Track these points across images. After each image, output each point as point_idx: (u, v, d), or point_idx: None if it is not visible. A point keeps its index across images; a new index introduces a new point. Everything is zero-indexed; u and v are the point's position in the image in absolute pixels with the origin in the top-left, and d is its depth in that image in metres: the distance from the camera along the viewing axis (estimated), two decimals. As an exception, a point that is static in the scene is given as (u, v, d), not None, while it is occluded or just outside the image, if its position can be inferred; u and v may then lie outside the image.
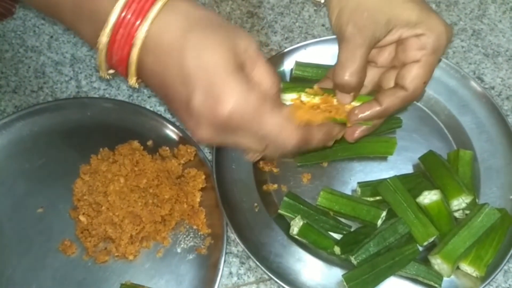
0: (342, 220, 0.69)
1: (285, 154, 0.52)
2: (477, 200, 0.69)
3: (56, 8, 0.48)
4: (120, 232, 0.66)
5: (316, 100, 0.58)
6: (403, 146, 0.74)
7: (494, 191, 0.71)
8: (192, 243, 0.68)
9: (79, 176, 0.70)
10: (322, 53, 0.78)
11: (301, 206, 0.68)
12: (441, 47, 0.59)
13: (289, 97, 0.58)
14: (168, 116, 0.77)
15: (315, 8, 0.86)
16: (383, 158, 0.74)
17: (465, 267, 0.65)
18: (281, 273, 0.65)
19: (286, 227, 0.68)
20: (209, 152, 0.74)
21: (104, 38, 0.45)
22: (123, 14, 0.44)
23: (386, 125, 0.73)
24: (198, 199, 0.69)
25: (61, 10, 0.48)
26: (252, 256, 0.65)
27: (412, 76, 0.59)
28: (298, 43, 0.80)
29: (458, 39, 0.86)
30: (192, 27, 0.45)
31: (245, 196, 0.70)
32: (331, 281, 0.65)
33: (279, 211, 0.69)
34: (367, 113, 0.60)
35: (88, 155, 0.71)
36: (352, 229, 0.68)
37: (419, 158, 0.72)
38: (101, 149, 0.71)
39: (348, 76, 0.57)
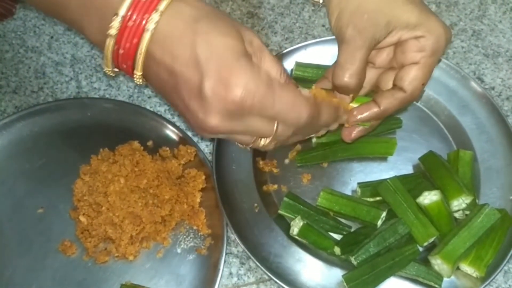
0: (342, 220, 0.69)
1: (295, 134, 0.52)
2: (477, 201, 0.69)
3: (60, 6, 0.49)
4: (120, 232, 0.66)
5: None
6: (403, 147, 0.74)
7: (494, 191, 0.71)
8: (192, 244, 0.68)
9: (79, 176, 0.70)
10: (322, 54, 0.78)
11: (301, 206, 0.68)
12: (440, 49, 0.59)
13: None
14: (168, 116, 0.77)
15: (313, 8, 0.86)
16: (383, 159, 0.74)
17: (465, 267, 0.65)
18: (281, 274, 0.65)
19: (286, 228, 0.68)
20: (209, 153, 0.74)
21: (112, 30, 0.45)
22: (132, 8, 0.45)
23: (386, 126, 0.73)
24: (198, 200, 0.69)
25: (66, 7, 0.48)
26: (252, 257, 0.65)
27: (410, 77, 0.59)
28: (298, 43, 0.80)
29: (458, 39, 0.86)
30: (202, 16, 0.46)
31: (245, 196, 0.70)
32: (331, 281, 0.65)
33: (279, 211, 0.69)
34: (366, 114, 0.60)
35: (88, 155, 0.71)
36: (352, 230, 0.68)
37: (419, 159, 0.72)
38: (101, 150, 0.72)
39: (347, 77, 0.57)
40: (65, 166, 0.71)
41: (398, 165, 0.73)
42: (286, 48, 0.80)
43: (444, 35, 0.58)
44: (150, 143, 0.74)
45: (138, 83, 0.49)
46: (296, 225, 0.66)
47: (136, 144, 0.72)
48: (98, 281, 0.65)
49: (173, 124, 0.74)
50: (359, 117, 0.60)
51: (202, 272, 0.66)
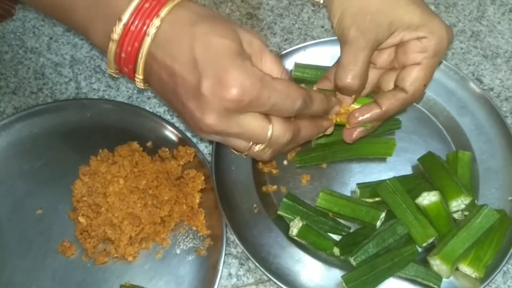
0: (341, 221, 0.69)
1: (289, 142, 0.53)
2: (476, 201, 0.69)
3: (67, 10, 0.51)
4: (119, 233, 0.66)
5: None
6: (402, 147, 0.74)
7: (493, 192, 0.71)
8: (191, 244, 0.68)
9: (79, 177, 0.70)
10: (321, 55, 0.78)
11: (300, 207, 0.68)
12: (442, 50, 0.59)
13: None
14: (167, 117, 0.77)
15: (313, 8, 0.86)
16: (382, 159, 0.74)
17: (464, 268, 0.65)
18: (281, 274, 0.65)
19: (285, 228, 0.68)
20: (209, 154, 0.74)
21: (115, 35, 0.48)
22: (135, 13, 0.47)
23: (385, 127, 0.73)
24: (197, 200, 0.69)
25: (73, 12, 0.50)
26: (251, 257, 0.65)
27: (412, 78, 0.59)
28: (297, 44, 0.80)
29: (457, 40, 0.86)
30: (200, 19, 0.47)
31: (244, 197, 0.70)
32: (330, 282, 0.65)
33: (279, 212, 0.69)
34: (367, 115, 0.60)
35: (88, 156, 0.71)
36: (351, 230, 0.68)
37: (418, 159, 0.72)
38: (100, 150, 0.71)
39: (350, 78, 0.57)
40: (65, 167, 0.71)
41: (397, 165, 0.74)
42: (285, 49, 0.80)
43: (446, 36, 0.58)
44: (149, 144, 0.74)
45: (139, 86, 0.51)
46: (296, 226, 0.66)
47: (135, 145, 0.72)
48: (97, 281, 0.65)
49: (173, 125, 0.75)
50: (360, 118, 0.60)
51: (201, 273, 0.66)
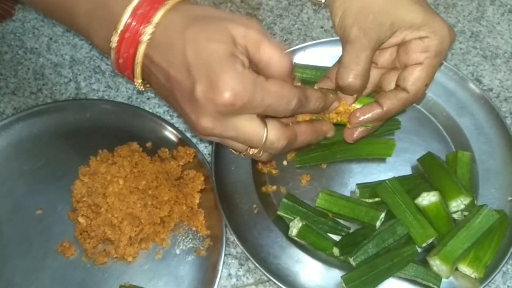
0: (341, 221, 0.69)
1: (293, 134, 0.54)
2: (475, 202, 0.69)
3: (69, 15, 0.52)
4: (119, 233, 0.66)
5: None
6: (401, 148, 0.74)
7: (492, 192, 0.71)
8: (191, 245, 0.68)
9: (78, 177, 0.70)
10: (321, 55, 0.78)
11: (300, 207, 0.68)
12: (444, 50, 0.59)
13: None
14: (167, 117, 0.77)
15: (314, 7, 0.86)
16: (382, 160, 0.74)
17: (464, 268, 0.65)
18: (280, 275, 0.65)
19: (285, 229, 0.68)
20: (208, 154, 0.74)
21: (113, 43, 0.49)
22: (130, 20, 0.48)
23: (385, 127, 0.73)
24: (197, 201, 0.69)
25: (75, 17, 0.51)
26: (251, 258, 0.65)
27: (414, 78, 0.59)
28: (297, 45, 0.80)
29: (457, 41, 0.86)
30: (191, 23, 0.48)
31: (244, 197, 0.70)
32: (330, 282, 0.65)
33: (278, 212, 0.69)
34: (369, 115, 0.60)
35: (87, 156, 0.71)
36: (351, 231, 0.68)
37: (418, 160, 0.72)
38: (100, 151, 0.71)
39: (352, 78, 0.57)
40: (64, 167, 0.71)
41: (396, 166, 0.74)
42: (284, 50, 0.80)
43: (448, 36, 0.58)
44: (149, 144, 0.74)
45: (140, 89, 0.52)
46: (295, 226, 0.66)
47: (135, 145, 0.72)
48: (97, 282, 0.65)
49: (172, 125, 0.75)
50: (361, 118, 0.60)
51: (201, 273, 0.66)
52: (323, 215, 0.69)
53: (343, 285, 0.63)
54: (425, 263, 0.65)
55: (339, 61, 0.59)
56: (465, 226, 0.64)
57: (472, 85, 0.77)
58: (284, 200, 0.69)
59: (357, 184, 0.71)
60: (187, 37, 0.47)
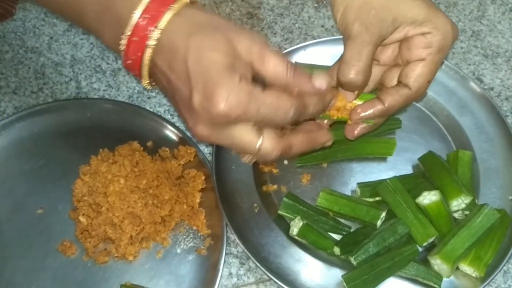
0: (342, 220, 0.69)
1: (289, 145, 0.53)
2: (476, 201, 0.69)
3: (79, 15, 0.52)
4: (120, 232, 0.66)
5: None
6: (402, 147, 0.74)
7: (493, 191, 0.71)
8: (192, 244, 0.68)
9: (79, 176, 0.70)
10: (322, 54, 0.78)
11: (301, 206, 0.68)
12: (446, 46, 0.58)
13: None
14: (168, 117, 0.77)
15: (316, 5, 0.86)
16: (383, 159, 0.74)
17: (465, 267, 0.65)
18: (281, 274, 0.65)
19: (285, 228, 0.68)
20: (209, 153, 0.74)
21: (121, 46, 0.49)
22: (137, 24, 0.48)
23: (386, 126, 0.73)
24: (198, 200, 0.69)
25: (84, 17, 0.52)
26: (251, 257, 0.65)
27: (416, 74, 0.58)
28: (297, 44, 0.80)
29: (458, 40, 0.86)
30: (196, 30, 0.48)
31: (244, 196, 0.70)
32: (330, 281, 0.65)
33: (279, 211, 0.69)
34: (370, 111, 0.60)
35: (88, 156, 0.71)
36: (351, 230, 0.68)
37: (419, 159, 0.72)
38: (101, 150, 0.71)
39: (354, 74, 0.57)
40: (65, 167, 0.71)
41: (397, 165, 0.73)
42: (285, 49, 0.80)
43: (451, 32, 0.58)
44: (149, 143, 0.74)
45: (147, 88, 0.53)
46: (296, 225, 0.66)
47: (135, 144, 0.72)
48: (97, 281, 0.65)
49: (173, 125, 0.75)
50: (363, 114, 0.60)
51: (202, 272, 0.66)
52: (324, 214, 0.69)
53: (344, 284, 0.63)
54: (426, 262, 0.65)
55: (341, 58, 0.58)
56: (466, 225, 0.64)
57: (473, 84, 0.77)
58: (285, 199, 0.69)
59: (358, 183, 0.71)
60: (191, 44, 0.47)
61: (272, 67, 0.49)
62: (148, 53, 0.49)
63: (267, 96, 0.48)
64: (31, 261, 0.66)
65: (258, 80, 0.50)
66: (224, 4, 0.88)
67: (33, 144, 0.73)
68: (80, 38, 0.84)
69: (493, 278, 0.64)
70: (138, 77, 0.52)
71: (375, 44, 0.56)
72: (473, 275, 0.65)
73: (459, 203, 0.66)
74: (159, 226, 0.67)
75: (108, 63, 0.82)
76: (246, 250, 0.65)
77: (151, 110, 0.77)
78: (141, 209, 0.66)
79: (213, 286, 0.64)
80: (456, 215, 0.68)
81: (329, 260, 0.67)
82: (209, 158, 0.73)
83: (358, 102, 0.60)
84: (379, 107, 0.60)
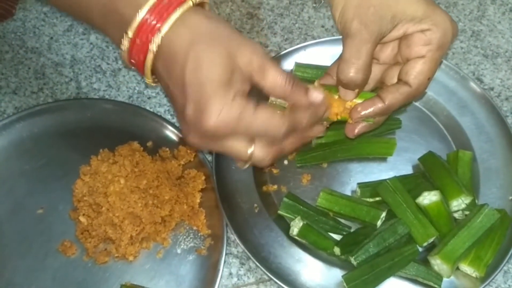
0: (342, 220, 0.69)
1: (280, 149, 0.54)
2: (476, 201, 0.69)
3: (85, 14, 0.53)
4: (120, 233, 0.66)
5: None
6: (402, 147, 0.74)
7: (493, 191, 0.71)
8: (192, 244, 0.68)
9: (79, 177, 0.70)
10: (322, 54, 0.78)
11: (301, 207, 0.68)
12: (446, 43, 0.58)
13: None
14: (168, 117, 0.77)
15: (314, 5, 0.86)
16: (383, 159, 0.74)
17: (465, 267, 0.65)
18: (281, 274, 0.65)
19: (286, 228, 0.68)
20: (209, 153, 0.74)
21: (124, 47, 0.49)
22: (140, 26, 0.48)
23: (386, 126, 0.73)
24: (198, 200, 0.69)
25: (90, 18, 0.52)
26: (252, 257, 0.65)
27: (416, 72, 0.58)
28: (297, 44, 0.80)
29: (458, 40, 0.86)
30: (197, 39, 0.48)
31: (245, 197, 0.70)
32: (331, 281, 0.65)
33: (279, 212, 0.69)
34: (370, 110, 0.60)
35: (88, 156, 0.71)
36: (351, 230, 0.68)
37: (419, 159, 0.72)
38: (101, 150, 0.71)
39: (353, 72, 0.57)
40: (65, 167, 0.71)
41: (397, 165, 0.74)
42: (285, 49, 0.80)
43: (451, 29, 0.58)
44: (150, 143, 0.74)
45: (151, 85, 0.54)
46: (296, 226, 0.66)
47: (136, 144, 0.72)
48: (98, 281, 0.65)
49: (173, 125, 0.75)
50: (363, 113, 0.59)
51: (202, 272, 0.66)
52: (324, 214, 0.69)
53: (344, 284, 0.63)
54: (426, 263, 0.65)
55: (340, 57, 0.58)
56: (466, 226, 0.64)
57: (473, 84, 0.77)
58: (285, 199, 0.69)
59: (358, 184, 0.71)
60: (190, 54, 0.47)
61: (272, 79, 0.50)
62: (150, 57, 0.49)
63: (259, 114, 0.49)
64: (31, 261, 0.66)
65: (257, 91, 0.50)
66: (224, 4, 0.88)
67: (34, 144, 0.73)
68: (80, 38, 0.84)
69: (493, 278, 0.64)
70: (143, 75, 0.53)
71: (374, 42, 0.56)
72: (473, 275, 0.65)
73: (459, 203, 0.66)
74: (159, 226, 0.67)
75: (108, 63, 0.82)
76: (246, 250, 0.65)
77: (151, 110, 0.77)
78: (141, 209, 0.66)
79: (213, 286, 0.64)
80: (456, 215, 0.68)
81: (329, 260, 0.67)
82: (209, 158, 0.73)
83: (358, 100, 0.60)
84: (379, 105, 0.59)
